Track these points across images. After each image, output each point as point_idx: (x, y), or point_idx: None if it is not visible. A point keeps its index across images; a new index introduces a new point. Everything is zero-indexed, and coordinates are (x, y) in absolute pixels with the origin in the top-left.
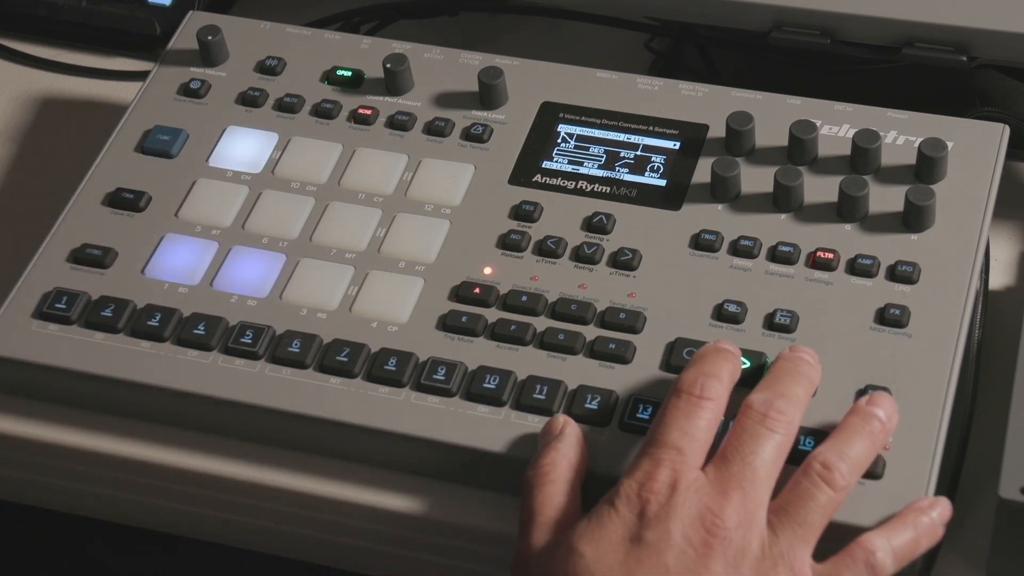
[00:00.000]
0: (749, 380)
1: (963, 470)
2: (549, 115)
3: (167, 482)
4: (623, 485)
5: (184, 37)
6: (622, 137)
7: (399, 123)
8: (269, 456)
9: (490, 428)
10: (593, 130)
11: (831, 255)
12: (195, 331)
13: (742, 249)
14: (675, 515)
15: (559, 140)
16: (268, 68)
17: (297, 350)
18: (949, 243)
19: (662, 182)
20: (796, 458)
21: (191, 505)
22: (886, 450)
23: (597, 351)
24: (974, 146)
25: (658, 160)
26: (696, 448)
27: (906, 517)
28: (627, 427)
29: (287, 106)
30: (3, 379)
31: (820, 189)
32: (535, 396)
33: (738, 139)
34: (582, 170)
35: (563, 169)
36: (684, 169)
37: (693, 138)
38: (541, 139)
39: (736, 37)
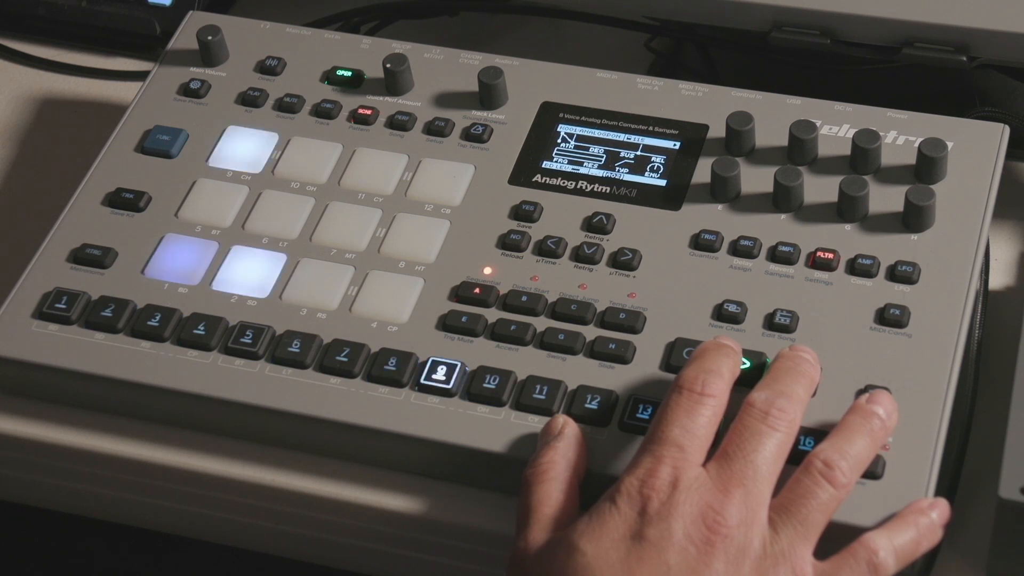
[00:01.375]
0: (749, 380)
1: (963, 470)
2: (549, 115)
3: (167, 482)
4: (624, 482)
5: (184, 37)
6: (622, 137)
7: (399, 123)
8: (269, 456)
9: (490, 428)
10: (593, 130)
11: (831, 255)
12: (195, 331)
13: (742, 249)
14: (676, 513)
15: (559, 140)
16: (268, 68)
17: (297, 350)
18: (949, 243)
19: (662, 182)
20: (796, 458)
21: (191, 505)
22: (885, 449)
23: (597, 351)
24: (974, 146)
25: (658, 160)
26: (697, 445)
27: (907, 517)
28: (627, 427)
29: (287, 106)
30: (3, 379)
31: (820, 189)
32: (535, 396)
33: (738, 139)
34: (582, 170)
35: (563, 169)
36: (684, 169)
37: (693, 138)
38: (541, 139)
39: (736, 37)
